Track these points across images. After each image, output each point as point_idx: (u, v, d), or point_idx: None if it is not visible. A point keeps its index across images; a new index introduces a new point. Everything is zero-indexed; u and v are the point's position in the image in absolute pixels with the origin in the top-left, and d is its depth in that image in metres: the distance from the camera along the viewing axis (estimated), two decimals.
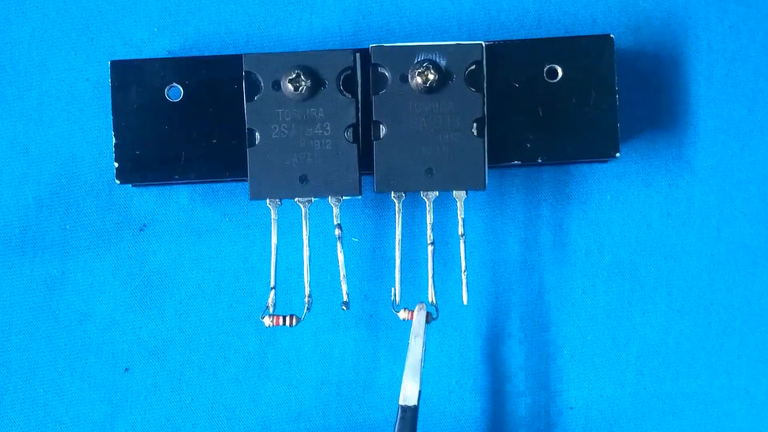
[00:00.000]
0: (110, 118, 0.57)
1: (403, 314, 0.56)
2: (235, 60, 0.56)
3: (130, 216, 0.60)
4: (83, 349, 0.59)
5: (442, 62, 0.55)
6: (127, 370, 0.59)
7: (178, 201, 0.59)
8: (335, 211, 0.55)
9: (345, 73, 0.55)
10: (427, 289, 0.56)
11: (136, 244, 0.59)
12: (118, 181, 0.56)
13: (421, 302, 0.56)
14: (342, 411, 0.59)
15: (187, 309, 0.59)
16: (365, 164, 0.55)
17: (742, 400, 0.59)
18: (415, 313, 0.55)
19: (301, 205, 0.55)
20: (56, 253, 0.59)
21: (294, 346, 0.59)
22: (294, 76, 0.54)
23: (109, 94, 0.57)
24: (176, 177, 0.56)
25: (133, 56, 0.59)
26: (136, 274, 0.59)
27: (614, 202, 0.59)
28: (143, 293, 0.59)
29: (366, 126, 0.56)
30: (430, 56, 0.55)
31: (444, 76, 0.55)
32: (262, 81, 0.55)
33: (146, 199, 0.59)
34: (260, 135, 0.55)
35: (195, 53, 0.59)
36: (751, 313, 0.59)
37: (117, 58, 0.58)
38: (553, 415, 0.59)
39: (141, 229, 0.59)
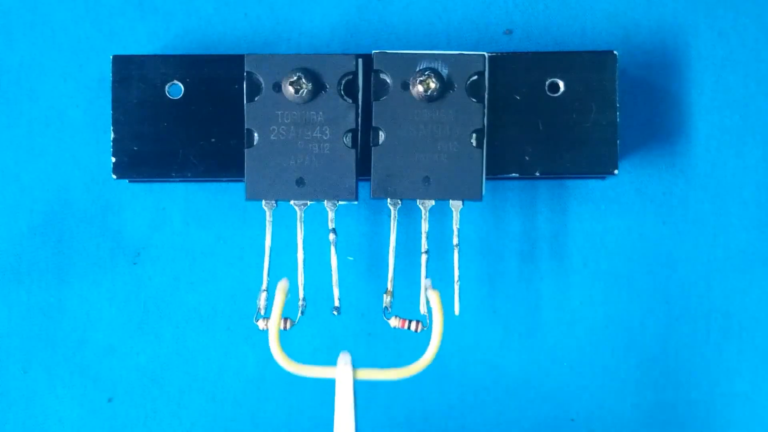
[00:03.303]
0: (108, 135, 0.57)
1: (393, 322, 0.55)
2: (236, 60, 0.56)
3: (125, 242, 0.59)
4: (81, 376, 0.59)
5: (444, 71, 0.54)
6: (125, 396, 0.59)
7: (172, 225, 0.59)
8: (330, 215, 0.55)
9: (346, 78, 0.55)
10: (419, 298, 0.56)
11: (132, 270, 0.59)
12: (114, 176, 0.56)
13: (346, 351, 0.54)
14: None
15: (184, 333, 0.59)
16: (363, 170, 0.55)
17: (743, 407, 0.59)
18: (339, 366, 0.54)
19: (296, 208, 0.55)
20: (52, 281, 0.59)
21: None
22: (295, 78, 0.54)
23: (106, 106, 0.57)
24: (173, 174, 0.56)
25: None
26: (132, 300, 0.59)
27: (609, 211, 0.59)
28: (140, 319, 0.59)
29: (365, 131, 0.55)
30: (432, 65, 0.55)
31: (445, 85, 0.54)
32: (263, 82, 0.55)
33: (140, 224, 0.59)
34: (259, 136, 0.55)
35: (197, 52, 0.59)
36: (749, 320, 0.59)
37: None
38: (554, 427, 0.59)
39: (135, 263, 0.59)
